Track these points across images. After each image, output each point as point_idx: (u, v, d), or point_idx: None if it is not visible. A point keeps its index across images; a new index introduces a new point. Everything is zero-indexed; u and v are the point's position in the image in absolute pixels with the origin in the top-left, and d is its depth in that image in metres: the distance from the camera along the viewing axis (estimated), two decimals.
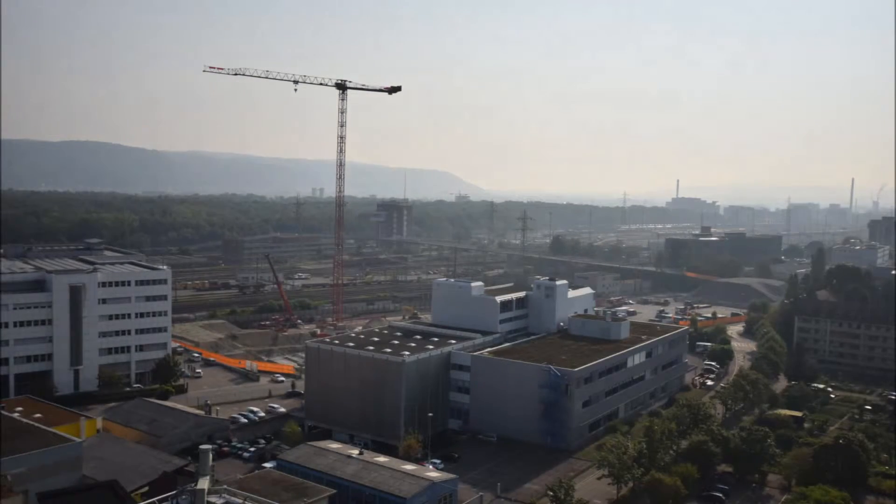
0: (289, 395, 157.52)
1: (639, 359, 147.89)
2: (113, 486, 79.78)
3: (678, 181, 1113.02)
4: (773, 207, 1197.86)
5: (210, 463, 70.44)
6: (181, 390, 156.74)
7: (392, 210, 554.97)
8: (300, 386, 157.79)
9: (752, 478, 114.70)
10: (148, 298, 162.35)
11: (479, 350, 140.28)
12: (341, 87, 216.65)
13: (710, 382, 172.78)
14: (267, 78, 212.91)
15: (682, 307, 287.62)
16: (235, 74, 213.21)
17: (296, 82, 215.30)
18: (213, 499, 68.63)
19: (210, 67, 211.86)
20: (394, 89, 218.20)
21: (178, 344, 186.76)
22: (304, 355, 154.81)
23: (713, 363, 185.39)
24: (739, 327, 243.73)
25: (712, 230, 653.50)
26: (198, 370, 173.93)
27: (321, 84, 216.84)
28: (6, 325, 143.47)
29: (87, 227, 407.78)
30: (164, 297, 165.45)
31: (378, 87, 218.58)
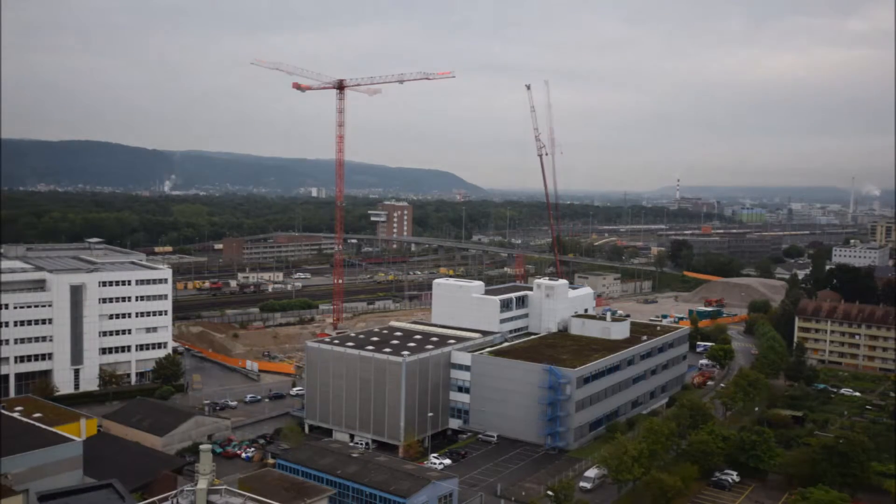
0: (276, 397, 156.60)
1: (639, 359, 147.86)
2: (113, 486, 79.83)
3: (678, 180, 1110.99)
4: (773, 207, 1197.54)
5: (210, 463, 70.36)
6: (181, 389, 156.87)
7: (392, 210, 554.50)
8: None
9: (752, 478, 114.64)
10: (148, 298, 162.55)
11: (479, 350, 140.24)
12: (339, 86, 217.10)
13: (710, 382, 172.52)
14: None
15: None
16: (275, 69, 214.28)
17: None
18: (213, 499, 68.55)
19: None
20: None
21: (178, 343, 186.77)
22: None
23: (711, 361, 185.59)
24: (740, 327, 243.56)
25: (712, 230, 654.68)
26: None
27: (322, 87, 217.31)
28: (6, 325, 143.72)
29: (87, 226, 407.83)
30: (165, 297, 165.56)
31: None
